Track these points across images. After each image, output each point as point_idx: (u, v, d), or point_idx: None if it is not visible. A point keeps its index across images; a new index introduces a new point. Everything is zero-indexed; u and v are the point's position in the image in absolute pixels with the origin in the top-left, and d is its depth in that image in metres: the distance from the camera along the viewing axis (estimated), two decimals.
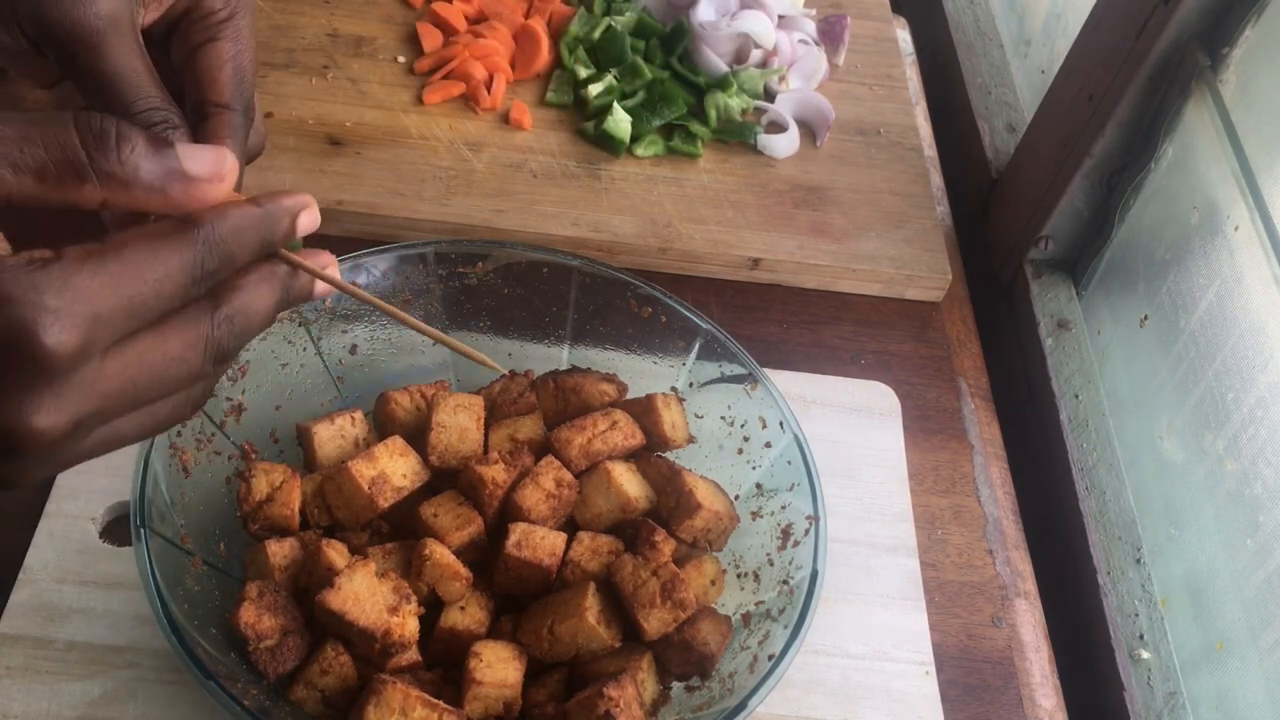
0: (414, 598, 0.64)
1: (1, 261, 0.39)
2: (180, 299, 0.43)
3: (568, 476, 0.70)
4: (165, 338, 0.43)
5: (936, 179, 1.09)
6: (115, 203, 0.43)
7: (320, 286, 0.49)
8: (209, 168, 0.44)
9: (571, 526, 0.71)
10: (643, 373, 0.79)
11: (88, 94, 0.50)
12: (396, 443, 0.70)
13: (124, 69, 0.49)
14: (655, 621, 0.65)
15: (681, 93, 1.05)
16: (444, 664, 0.67)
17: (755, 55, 1.09)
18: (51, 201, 0.43)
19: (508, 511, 0.69)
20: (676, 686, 0.69)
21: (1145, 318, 0.89)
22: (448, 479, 0.71)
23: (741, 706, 0.62)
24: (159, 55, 0.52)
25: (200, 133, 0.50)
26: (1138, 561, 0.83)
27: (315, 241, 0.99)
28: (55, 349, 0.39)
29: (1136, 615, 0.81)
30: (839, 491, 0.83)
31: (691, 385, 0.79)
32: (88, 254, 0.40)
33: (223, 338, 0.44)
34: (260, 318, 0.46)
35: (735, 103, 1.05)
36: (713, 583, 0.70)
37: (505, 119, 1.03)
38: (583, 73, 1.05)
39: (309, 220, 0.48)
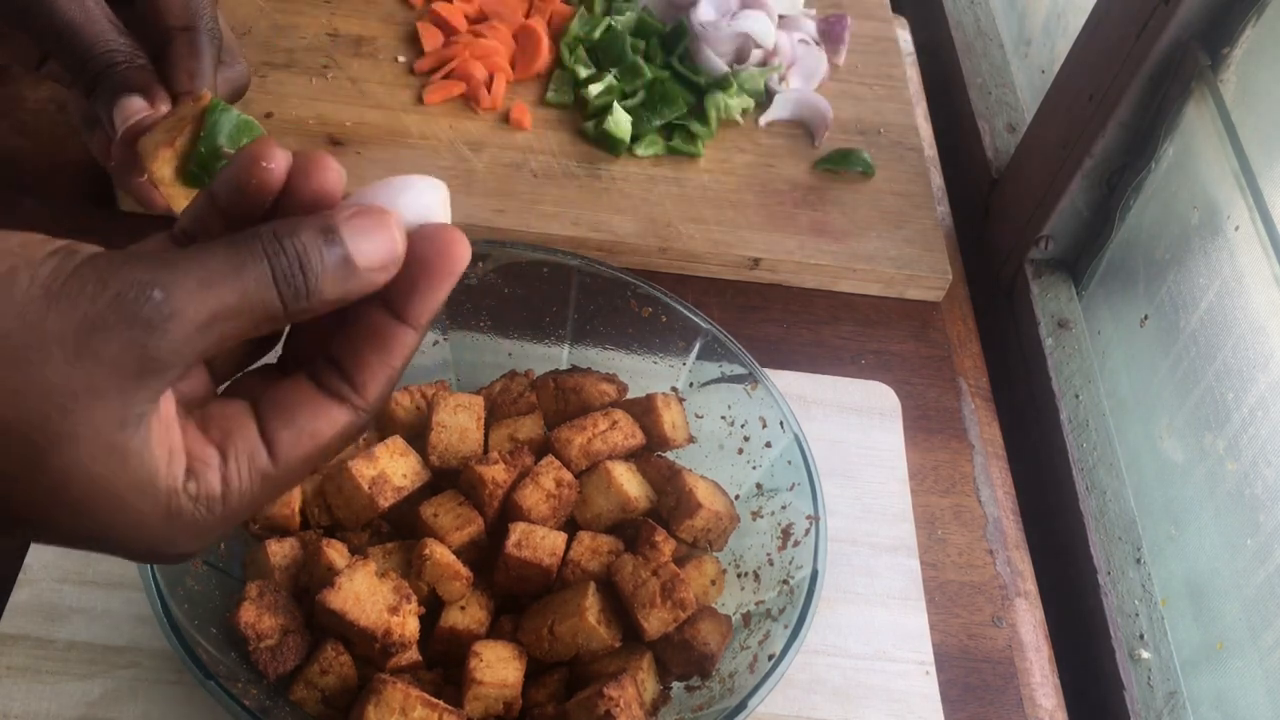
0: (414, 597, 0.64)
1: (175, 518, 0.39)
2: None
3: (568, 476, 0.70)
4: None
5: (936, 179, 1.09)
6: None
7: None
8: (379, 258, 0.40)
9: (572, 526, 0.71)
10: (643, 372, 0.79)
11: (51, 48, 0.52)
12: (397, 443, 0.70)
13: (76, 18, 0.51)
14: (655, 621, 0.65)
15: (682, 92, 1.05)
16: (444, 664, 0.67)
17: (755, 55, 1.09)
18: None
19: (508, 511, 0.69)
20: (676, 686, 0.69)
21: (1145, 317, 0.89)
22: (448, 479, 0.71)
23: (741, 706, 0.62)
24: (127, 9, 0.54)
25: (165, 58, 0.52)
26: (1138, 561, 0.83)
27: None
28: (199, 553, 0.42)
29: (1136, 615, 0.81)
30: (839, 491, 0.83)
31: (692, 385, 0.79)
32: (252, 486, 0.40)
33: None
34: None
35: (735, 103, 1.05)
36: (713, 582, 0.70)
37: (505, 119, 1.03)
38: (583, 72, 1.05)
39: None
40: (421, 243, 0.41)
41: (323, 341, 0.43)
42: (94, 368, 0.35)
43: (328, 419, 0.41)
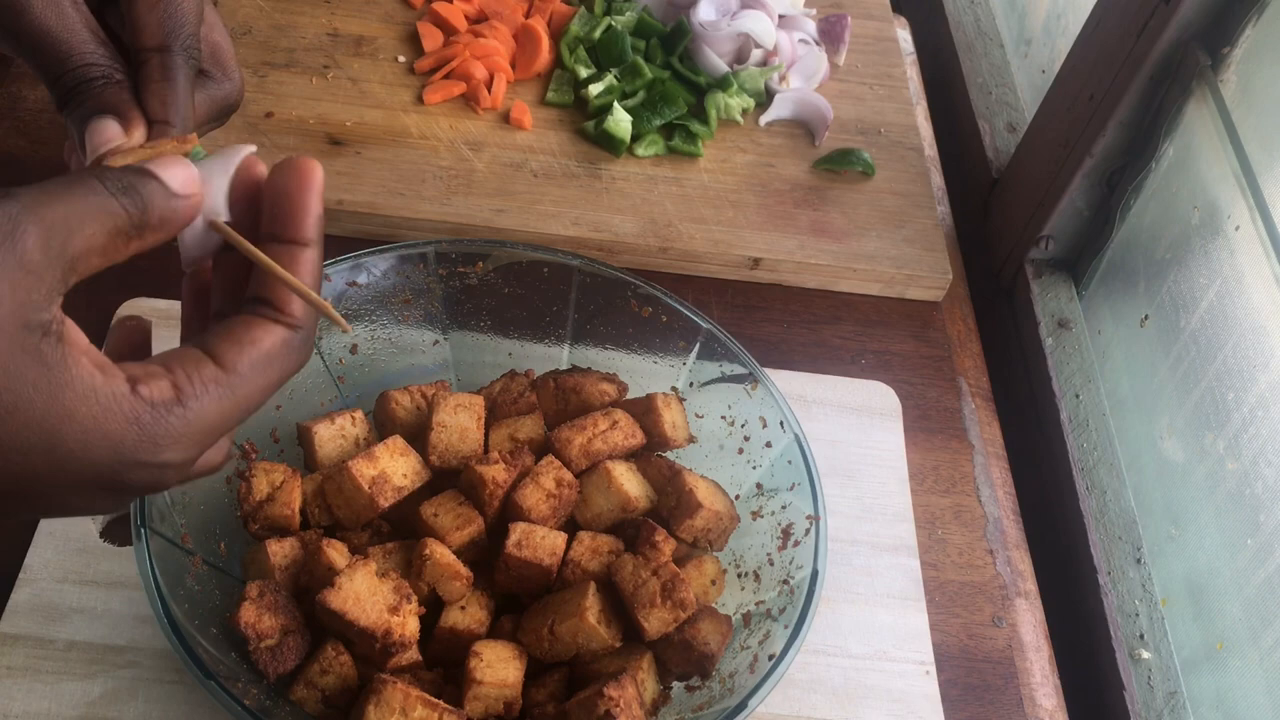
0: (414, 597, 0.64)
1: (135, 423, 0.41)
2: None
3: (568, 476, 0.70)
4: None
5: (937, 179, 1.09)
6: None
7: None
8: (183, 183, 0.45)
9: (572, 526, 0.71)
10: (643, 372, 0.79)
11: (22, 56, 0.49)
12: (397, 442, 0.70)
13: (52, 25, 0.48)
14: (655, 621, 0.65)
15: (682, 92, 1.05)
16: (444, 663, 0.67)
17: (756, 55, 1.09)
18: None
19: (508, 511, 0.69)
20: (677, 686, 0.69)
21: (1146, 317, 0.89)
22: (448, 479, 0.71)
23: (742, 706, 0.62)
24: (113, 14, 0.52)
25: (137, 82, 0.50)
26: (1138, 561, 0.83)
27: None
28: (173, 483, 0.44)
29: (1137, 615, 0.81)
30: (839, 491, 0.83)
31: (692, 385, 0.79)
32: (208, 391, 0.43)
33: None
34: None
35: (735, 103, 1.05)
36: (713, 582, 0.70)
37: (505, 119, 1.03)
38: (583, 72, 1.05)
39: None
40: (278, 174, 0.46)
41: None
42: None
43: (263, 329, 0.45)
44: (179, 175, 0.45)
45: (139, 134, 0.49)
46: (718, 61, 1.07)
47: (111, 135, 0.48)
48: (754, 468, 0.75)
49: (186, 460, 0.43)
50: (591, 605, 0.65)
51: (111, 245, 0.42)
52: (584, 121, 1.03)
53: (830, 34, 1.14)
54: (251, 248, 0.46)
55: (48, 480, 0.40)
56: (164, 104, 0.50)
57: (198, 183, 0.46)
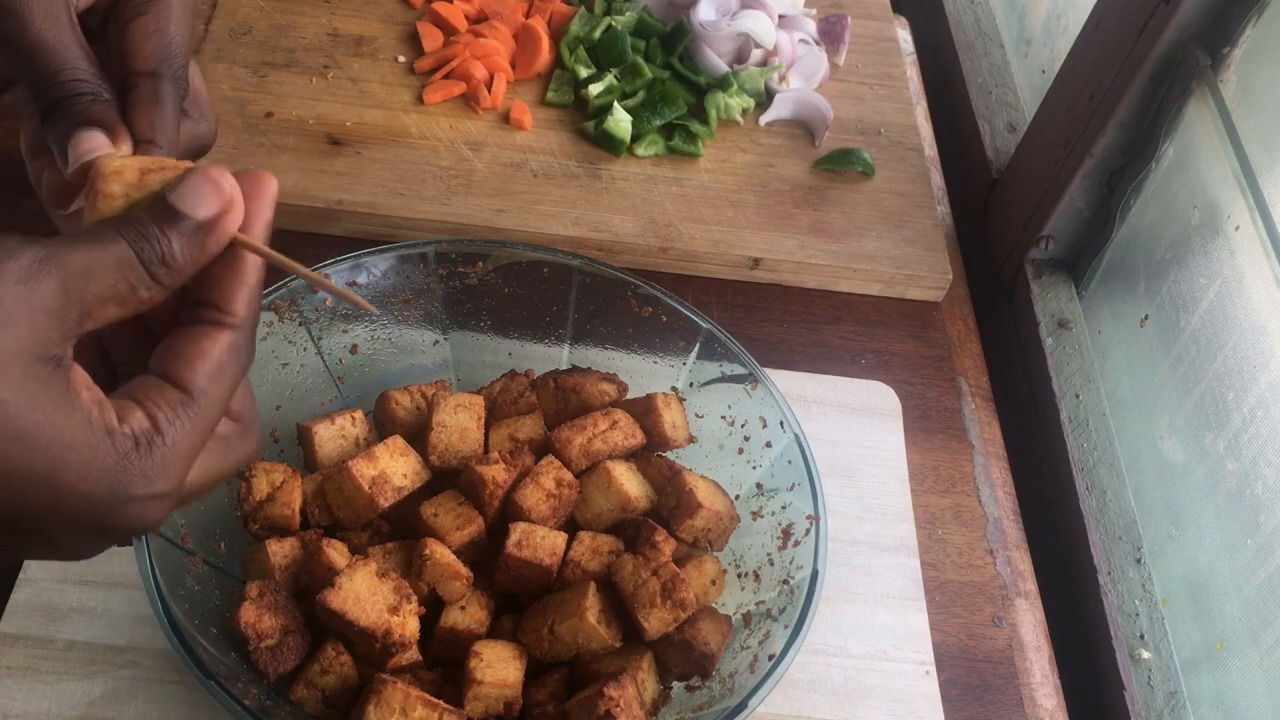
0: (414, 597, 0.64)
1: (125, 457, 0.42)
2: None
3: (568, 476, 0.70)
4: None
5: (937, 179, 1.09)
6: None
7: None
8: (214, 205, 0.44)
9: (572, 526, 0.71)
10: (643, 372, 0.79)
11: (14, 64, 0.49)
12: (397, 442, 0.70)
13: (50, 38, 0.49)
14: (656, 621, 0.65)
15: (682, 92, 1.05)
16: (444, 663, 0.67)
17: (756, 55, 1.09)
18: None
19: (508, 511, 0.69)
20: (677, 686, 0.69)
21: (1146, 317, 0.89)
22: (448, 479, 0.71)
23: (742, 706, 0.62)
24: (99, 46, 0.52)
25: (126, 103, 0.50)
26: (1138, 561, 0.83)
27: (317, 242, 1.00)
28: (161, 520, 0.44)
29: (1137, 615, 0.81)
30: (839, 491, 0.83)
31: (692, 385, 0.79)
32: (178, 417, 0.43)
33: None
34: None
35: (735, 103, 1.05)
36: (713, 582, 0.70)
37: (505, 119, 1.03)
38: (583, 72, 1.05)
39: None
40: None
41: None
42: None
43: (209, 338, 0.45)
44: (206, 202, 0.44)
45: (125, 148, 0.49)
46: (718, 61, 1.07)
47: (97, 145, 0.48)
48: (754, 468, 0.75)
49: (174, 489, 0.43)
50: (591, 605, 0.65)
51: (132, 296, 0.43)
52: (584, 121, 1.03)
53: (830, 34, 1.14)
54: (263, 247, 0.46)
55: (45, 513, 0.41)
56: (152, 125, 0.50)
57: (233, 196, 0.45)
